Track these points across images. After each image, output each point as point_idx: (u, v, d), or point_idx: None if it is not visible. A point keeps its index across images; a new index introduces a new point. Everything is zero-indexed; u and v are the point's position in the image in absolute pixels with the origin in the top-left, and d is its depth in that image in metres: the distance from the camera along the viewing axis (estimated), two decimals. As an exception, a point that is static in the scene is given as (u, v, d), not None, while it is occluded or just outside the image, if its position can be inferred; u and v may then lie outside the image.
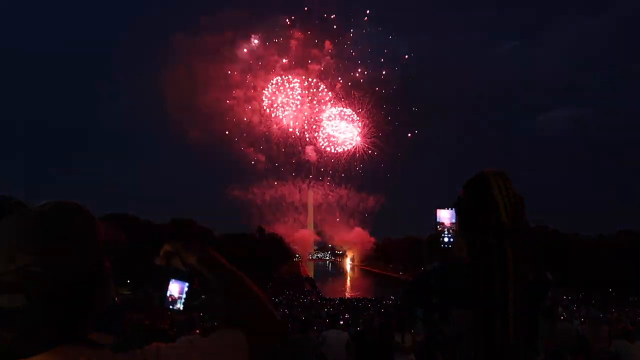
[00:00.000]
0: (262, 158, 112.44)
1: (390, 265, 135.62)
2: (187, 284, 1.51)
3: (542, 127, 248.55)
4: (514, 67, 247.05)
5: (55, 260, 1.14)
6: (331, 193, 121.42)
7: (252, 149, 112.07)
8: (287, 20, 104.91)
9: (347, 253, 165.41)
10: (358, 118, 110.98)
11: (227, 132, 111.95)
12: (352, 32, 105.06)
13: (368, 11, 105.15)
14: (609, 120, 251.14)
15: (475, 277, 1.95)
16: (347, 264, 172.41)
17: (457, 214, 2.07)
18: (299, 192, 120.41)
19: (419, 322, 2.08)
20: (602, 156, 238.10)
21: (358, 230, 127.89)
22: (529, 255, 1.98)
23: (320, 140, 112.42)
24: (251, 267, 74.76)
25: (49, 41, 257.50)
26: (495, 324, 1.88)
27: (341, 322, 16.68)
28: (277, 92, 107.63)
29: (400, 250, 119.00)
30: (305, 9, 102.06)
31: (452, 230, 2.30)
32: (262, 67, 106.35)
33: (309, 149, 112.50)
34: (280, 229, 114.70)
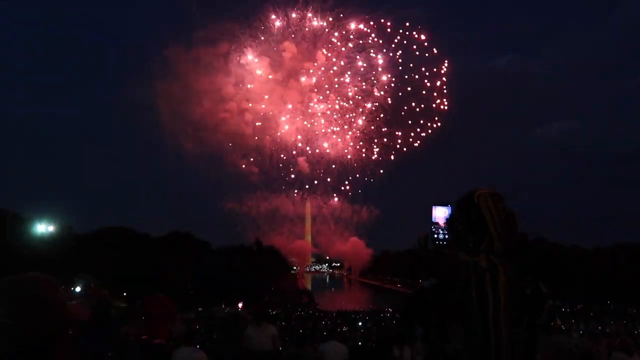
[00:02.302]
0: (256, 170, 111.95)
1: (388, 278, 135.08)
2: None
3: (539, 140, 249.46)
4: (511, 79, 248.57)
5: (24, 316, 1.32)
6: (325, 205, 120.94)
7: (245, 160, 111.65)
8: (280, 31, 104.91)
9: (344, 265, 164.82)
10: (352, 130, 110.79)
11: (220, 144, 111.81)
12: (346, 44, 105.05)
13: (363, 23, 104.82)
14: (607, 133, 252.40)
15: (469, 300, 1.95)
16: (345, 276, 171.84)
17: (450, 234, 2.06)
18: (293, 203, 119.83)
19: (419, 340, 2.07)
20: (600, 169, 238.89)
21: (354, 239, 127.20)
22: (524, 271, 1.97)
23: (312, 152, 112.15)
24: (249, 280, 74.39)
25: (45, 49, 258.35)
26: (491, 342, 1.87)
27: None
28: (269, 104, 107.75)
29: (398, 263, 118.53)
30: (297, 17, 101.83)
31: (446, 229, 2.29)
32: (255, 79, 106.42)
33: (302, 161, 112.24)
34: (275, 241, 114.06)
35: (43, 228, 47.79)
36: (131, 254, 61.78)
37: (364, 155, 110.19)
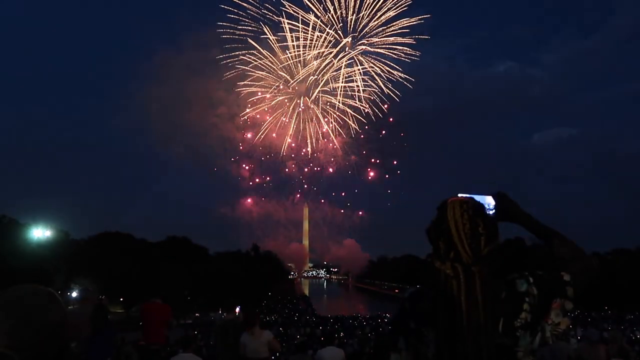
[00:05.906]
0: (247, 175, 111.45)
1: (386, 283, 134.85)
2: None
3: (537, 145, 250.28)
4: (510, 87, 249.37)
5: (27, 344, 1.22)
6: (316, 210, 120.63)
7: (235, 165, 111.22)
8: (273, 38, 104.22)
9: (342, 270, 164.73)
10: (340, 137, 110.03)
11: (211, 149, 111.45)
12: (342, 51, 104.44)
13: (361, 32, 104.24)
14: (605, 139, 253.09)
15: (437, 306, 1.97)
16: (342, 281, 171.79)
17: (429, 241, 2.09)
18: (285, 209, 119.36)
19: (404, 351, 2.07)
20: (596, 175, 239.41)
21: (350, 242, 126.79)
22: (499, 275, 2.00)
23: (303, 157, 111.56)
24: (247, 286, 74.14)
25: (38, 57, 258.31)
26: (457, 350, 1.90)
27: (336, 342, 16.50)
28: (260, 109, 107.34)
29: (396, 268, 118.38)
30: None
31: None
32: (247, 84, 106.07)
33: (293, 166, 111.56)
34: (270, 245, 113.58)
35: (40, 233, 47.55)
36: (128, 259, 61.55)
37: (353, 167, 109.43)
